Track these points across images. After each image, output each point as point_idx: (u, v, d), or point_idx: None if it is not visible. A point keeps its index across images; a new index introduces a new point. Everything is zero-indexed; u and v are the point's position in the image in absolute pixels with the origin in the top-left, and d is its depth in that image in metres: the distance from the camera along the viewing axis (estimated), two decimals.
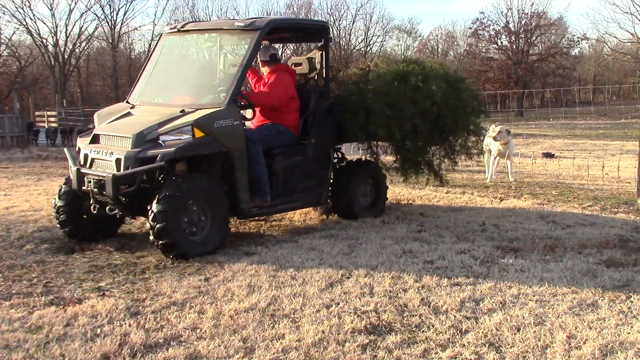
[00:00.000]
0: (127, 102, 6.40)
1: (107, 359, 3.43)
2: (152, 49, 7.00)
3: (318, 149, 6.59)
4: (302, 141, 6.57)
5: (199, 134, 5.44)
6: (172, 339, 3.66)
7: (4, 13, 41.74)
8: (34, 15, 50.51)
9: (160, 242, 5.25)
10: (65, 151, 6.29)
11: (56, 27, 41.69)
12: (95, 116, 6.26)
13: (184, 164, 5.70)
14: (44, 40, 41.67)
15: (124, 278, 4.89)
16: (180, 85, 6.62)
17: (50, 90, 41.54)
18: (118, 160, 5.39)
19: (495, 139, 9.68)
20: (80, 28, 42.23)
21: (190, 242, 5.39)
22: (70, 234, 5.99)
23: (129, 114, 6.05)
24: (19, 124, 18.30)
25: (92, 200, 5.68)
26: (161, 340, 3.64)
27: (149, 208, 5.28)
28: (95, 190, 5.49)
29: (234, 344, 3.58)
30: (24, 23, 39.98)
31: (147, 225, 5.39)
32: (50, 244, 5.92)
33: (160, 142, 5.41)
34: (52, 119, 26.71)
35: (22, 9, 39.66)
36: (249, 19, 6.37)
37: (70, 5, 46.68)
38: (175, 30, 6.61)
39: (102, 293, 4.51)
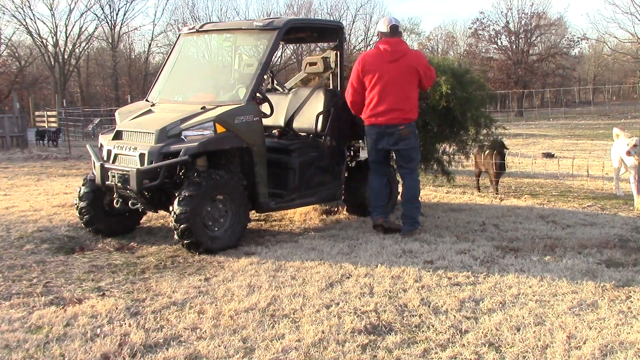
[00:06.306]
0: (147, 100, 6.52)
1: (107, 359, 3.43)
2: (170, 50, 7.15)
3: (333, 145, 6.69)
4: (317, 138, 6.68)
5: (220, 129, 5.57)
6: (172, 339, 3.66)
7: (4, 13, 42.00)
8: (34, 15, 50.67)
9: (185, 241, 5.42)
10: (88, 148, 6.40)
11: (56, 27, 41.84)
12: (116, 114, 6.39)
13: (204, 159, 5.81)
14: (44, 40, 41.78)
15: (124, 278, 4.89)
16: (199, 84, 6.76)
17: (50, 90, 41.55)
18: (142, 155, 5.50)
19: (629, 153, 7.95)
20: (80, 28, 42.40)
21: (214, 238, 5.54)
22: (96, 231, 6.17)
23: (150, 111, 6.18)
24: (19, 124, 18.27)
25: (115, 194, 5.77)
26: (161, 340, 3.64)
27: (171, 209, 5.42)
28: (119, 184, 5.61)
29: (234, 344, 3.58)
30: (24, 23, 40.13)
31: (170, 223, 5.53)
32: (50, 244, 5.91)
33: (182, 137, 5.53)
34: (52, 119, 26.67)
35: (22, 9, 39.83)
36: (267, 19, 6.51)
37: (70, 5, 46.90)
38: (194, 30, 6.71)
39: (102, 293, 4.51)
